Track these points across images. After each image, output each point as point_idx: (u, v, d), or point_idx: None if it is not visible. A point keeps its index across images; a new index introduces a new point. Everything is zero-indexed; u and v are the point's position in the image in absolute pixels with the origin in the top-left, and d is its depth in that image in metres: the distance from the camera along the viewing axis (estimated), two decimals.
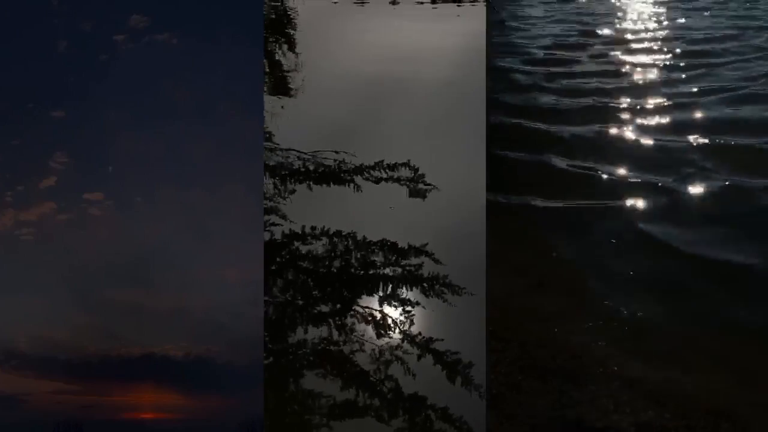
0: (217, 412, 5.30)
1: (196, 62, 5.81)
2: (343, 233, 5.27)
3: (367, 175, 5.58)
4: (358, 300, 5.00)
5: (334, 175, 5.57)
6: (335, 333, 4.83)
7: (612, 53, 11.23)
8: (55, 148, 5.72)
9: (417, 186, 5.54)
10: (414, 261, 5.15)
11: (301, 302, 4.96)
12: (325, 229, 5.28)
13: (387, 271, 5.11)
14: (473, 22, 7.07)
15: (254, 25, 5.85)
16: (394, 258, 5.17)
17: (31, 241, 5.64)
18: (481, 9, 7.27)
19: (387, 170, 5.59)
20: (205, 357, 5.48)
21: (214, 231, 5.63)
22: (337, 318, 4.88)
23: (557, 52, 11.44)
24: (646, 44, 11.69)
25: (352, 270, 5.12)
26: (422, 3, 7.72)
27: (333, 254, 5.18)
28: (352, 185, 5.57)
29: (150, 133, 5.79)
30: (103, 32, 5.83)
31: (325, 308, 4.93)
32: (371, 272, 5.10)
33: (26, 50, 5.73)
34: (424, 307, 4.97)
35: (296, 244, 5.22)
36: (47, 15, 5.77)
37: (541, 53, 11.44)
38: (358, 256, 5.17)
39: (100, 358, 5.45)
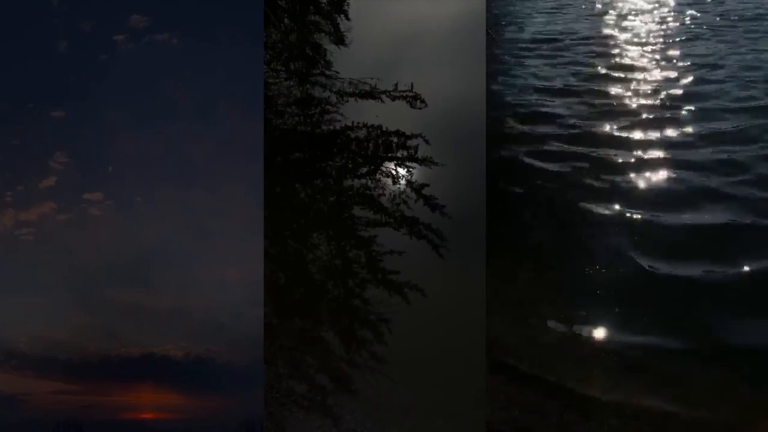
0: (217, 412, 5.30)
1: (196, 62, 5.82)
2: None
3: None
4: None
5: None
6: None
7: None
8: (55, 148, 5.72)
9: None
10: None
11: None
12: None
13: None
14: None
15: (254, 25, 5.85)
16: None
17: (31, 241, 5.65)
18: None
19: None
20: (205, 357, 5.49)
21: (214, 231, 5.64)
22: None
23: None
24: None
25: None
26: None
27: None
28: None
29: (150, 133, 5.79)
30: (103, 32, 5.84)
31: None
32: None
33: (26, 50, 5.73)
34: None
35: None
36: (47, 15, 5.78)
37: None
38: None
39: (100, 358, 5.45)
